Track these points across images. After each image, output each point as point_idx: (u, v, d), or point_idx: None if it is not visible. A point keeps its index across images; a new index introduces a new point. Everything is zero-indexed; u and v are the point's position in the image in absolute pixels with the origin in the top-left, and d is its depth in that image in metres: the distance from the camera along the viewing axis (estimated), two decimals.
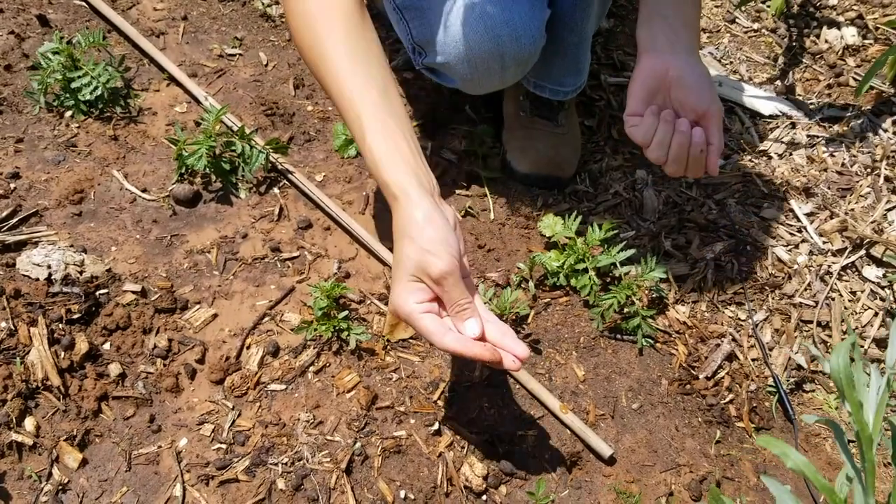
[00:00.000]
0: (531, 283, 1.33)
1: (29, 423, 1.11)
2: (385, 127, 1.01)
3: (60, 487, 1.08)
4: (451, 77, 1.31)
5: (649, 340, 1.28)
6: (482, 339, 0.96)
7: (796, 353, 1.27)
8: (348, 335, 1.23)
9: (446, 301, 0.96)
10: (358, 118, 1.01)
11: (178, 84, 1.61)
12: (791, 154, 1.57)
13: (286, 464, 1.11)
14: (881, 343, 1.28)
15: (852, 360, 0.63)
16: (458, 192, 1.49)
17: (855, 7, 1.84)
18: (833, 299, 1.32)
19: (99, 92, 1.50)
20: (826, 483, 0.62)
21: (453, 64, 1.27)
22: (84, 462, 1.11)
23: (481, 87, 1.33)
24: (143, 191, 1.42)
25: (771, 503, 1.14)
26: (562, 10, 1.32)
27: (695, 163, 1.09)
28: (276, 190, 1.46)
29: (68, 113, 1.53)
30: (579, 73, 1.44)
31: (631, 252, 1.32)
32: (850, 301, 1.31)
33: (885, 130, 1.61)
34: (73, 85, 1.49)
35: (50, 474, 1.09)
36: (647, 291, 1.31)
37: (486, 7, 1.21)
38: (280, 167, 1.47)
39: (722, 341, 1.28)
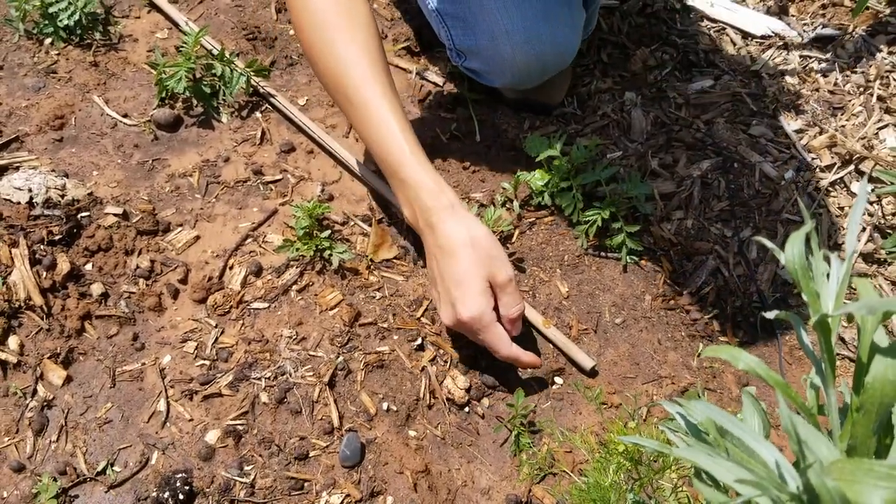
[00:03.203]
0: (516, 203, 1.32)
1: (13, 341, 1.12)
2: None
3: (45, 403, 1.09)
4: (492, 79, 1.35)
5: (634, 258, 1.27)
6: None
7: (782, 268, 1.26)
8: (331, 255, 1.23)
9: (505, 304, 1.05)
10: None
11: (159, 10, 1.59)
12: (782, 74, 1.54)
13: (269, 378, 1.12)
14: (868, 257, 1.27)
15: (812, 253, 0.62)
16: (443, 114, 1.47)
17: None
18: (820, 214, 1.30)
19: (77, 17, 1.48)
20: (779, 378, 0.61)
21: (497, 73, 1.31)
22: (68, 379, 1.11)
23: (521, 88, 1.37)
24: (125, 116, 1.41)
25: None
26: None
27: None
28: (258, 114, 1.44)
29: (48, 40, 1.51)
30: (589, 22, 1.43)
31: (616, 169, 1.31)
32: (837, 216, 1.30)
33: (880, 51, 1.57)
34: (51, 10, 1.47)
35: (35, 391, 1.10)
36: (631, 209, 1.30)
37: (532, 27, 1.21)
38: (262, 91, 1.45)
39: (707, 258, 1.27)
